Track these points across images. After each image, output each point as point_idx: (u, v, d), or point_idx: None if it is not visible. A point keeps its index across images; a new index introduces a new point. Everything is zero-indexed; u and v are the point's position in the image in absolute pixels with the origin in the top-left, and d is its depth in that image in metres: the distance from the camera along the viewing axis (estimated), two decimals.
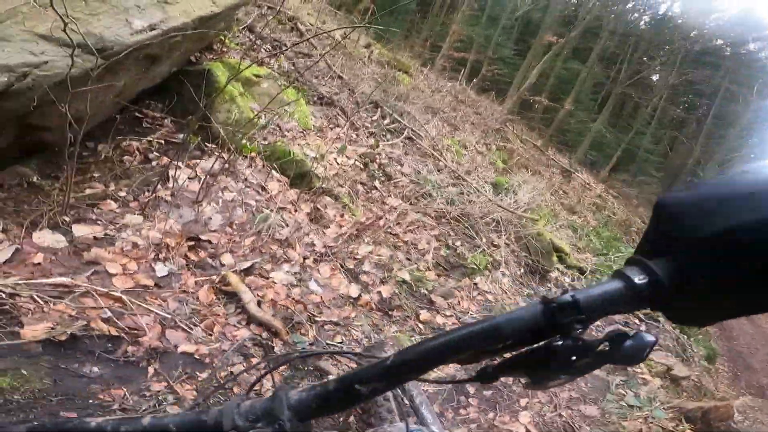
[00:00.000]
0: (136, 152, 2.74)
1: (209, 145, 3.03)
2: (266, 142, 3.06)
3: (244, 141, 2.86)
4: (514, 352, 0.39)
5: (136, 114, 3.15)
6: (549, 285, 4.85)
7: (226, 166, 2.77)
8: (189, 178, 2.66)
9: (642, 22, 25.58)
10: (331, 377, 2.25)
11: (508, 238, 4.10)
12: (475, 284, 3.56)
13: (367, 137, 3.95)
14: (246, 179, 2.78)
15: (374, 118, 4.33)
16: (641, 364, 3.83)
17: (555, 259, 4.93)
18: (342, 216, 3.00)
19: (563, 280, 5.15)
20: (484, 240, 3.77)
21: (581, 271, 5.54)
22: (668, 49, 22.55)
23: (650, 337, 0.36)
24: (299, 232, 2.73)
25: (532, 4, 21.34)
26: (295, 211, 2.82)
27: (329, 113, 3.89)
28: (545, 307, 0.36)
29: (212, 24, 3.29)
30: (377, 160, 3.59)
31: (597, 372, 3.29)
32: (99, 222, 2.32)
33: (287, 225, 2.69)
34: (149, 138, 2.84)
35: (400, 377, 0.42)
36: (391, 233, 3.15)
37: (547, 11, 18.35)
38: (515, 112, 11.80)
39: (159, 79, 3.17)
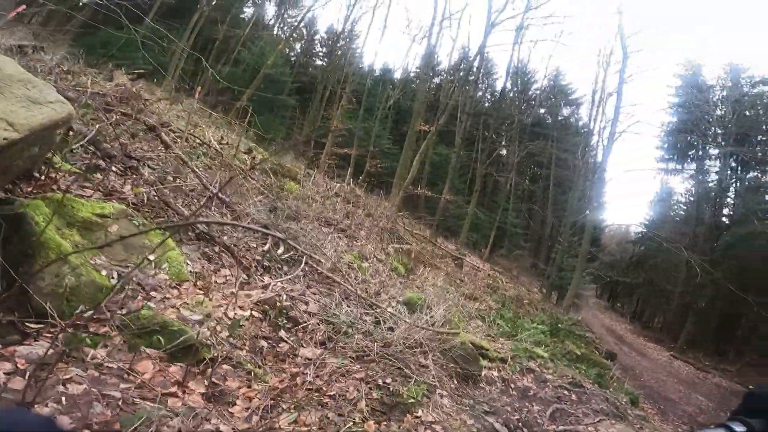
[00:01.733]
0: None
1: (31, 325, 2.13)
2: (124, 311, 2.27)
3: (83, 310, 2.05)
4: None
5: None
6: (482, 385, 4.57)
7: (64, 349, 1.94)
8: (5, 373, 1.78)
9: (486, 102, 28.97)
10: None
11: (434, 355, 3.72)
12: (419, 418, 3.06)
13: (261, 275, 3.33)
14: (101, 364, 1.95)
15: (265, 248, 3.75)
16: None
17: (482, 361, 4.68)
18: (249, 386, 2.30)
19: (492, 375, 4.93)
20: (413, 366, 3.31)
21: (503, 361, 5.47)
22: (508, 123, 25.52)
23: None
24: (195, 420, 1.96)
25: (400, 93, 23.54)
26: (184, 393, 2.04)
27: (210, 252, 3.23)
28: None
29: (14, 154, 2.46)
30: (277, 305, 3.00)
31: None
32: None
33: (176, 414, 1.92)
34: None
35: None
36: (313, 389, 2.52)
37: (414, 99, 19.60)
38: (401, 206, 12.23)
39: None
